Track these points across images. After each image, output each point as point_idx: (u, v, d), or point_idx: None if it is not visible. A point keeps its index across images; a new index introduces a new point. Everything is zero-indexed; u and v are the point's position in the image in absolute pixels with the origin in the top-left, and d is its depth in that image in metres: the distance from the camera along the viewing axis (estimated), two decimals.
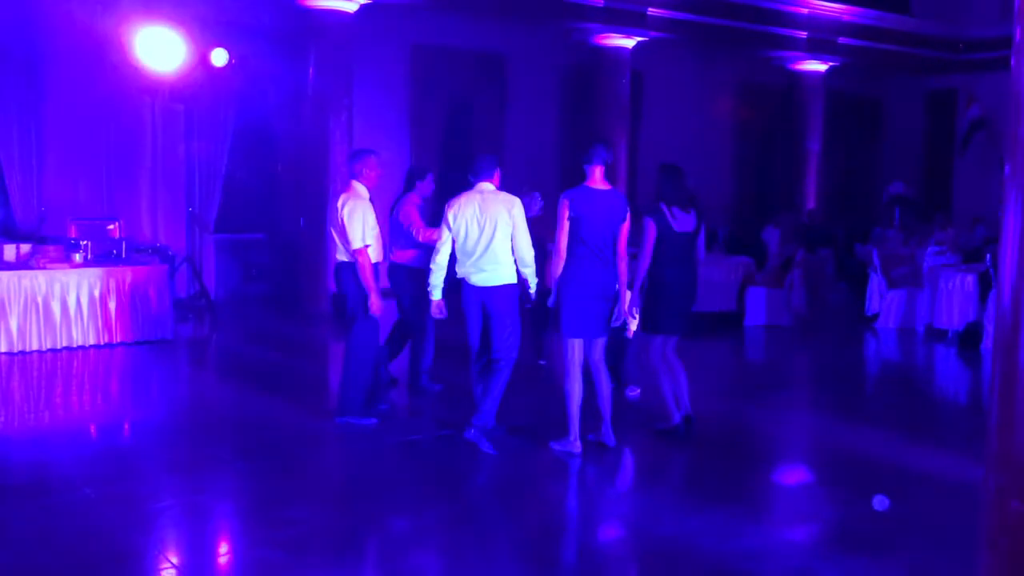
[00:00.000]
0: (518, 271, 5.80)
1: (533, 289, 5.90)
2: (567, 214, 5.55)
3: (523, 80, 13.99)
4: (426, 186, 7.19)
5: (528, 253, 5.76)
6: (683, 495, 5.29)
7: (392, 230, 7.07)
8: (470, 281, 5.80)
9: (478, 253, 5.72)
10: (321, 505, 5.01)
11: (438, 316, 6.06)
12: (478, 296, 5.80)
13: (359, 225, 6.03)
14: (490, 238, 5.68)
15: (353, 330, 6.29)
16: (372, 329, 6.30)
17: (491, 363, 5.85)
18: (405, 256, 7.01)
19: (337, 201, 6.19)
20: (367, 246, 6.07)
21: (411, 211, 6.96)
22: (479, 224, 5.70)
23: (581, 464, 5.64)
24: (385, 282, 6.65)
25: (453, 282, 5.98)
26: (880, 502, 5.03)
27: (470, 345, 5.98)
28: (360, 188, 6.20)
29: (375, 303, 6.13)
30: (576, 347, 5.67)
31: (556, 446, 5.79)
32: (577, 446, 5.72)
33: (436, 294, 5.92)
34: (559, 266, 5.61)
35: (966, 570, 4.35)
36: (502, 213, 5.69)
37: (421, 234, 6.80)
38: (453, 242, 5.79)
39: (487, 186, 5.80)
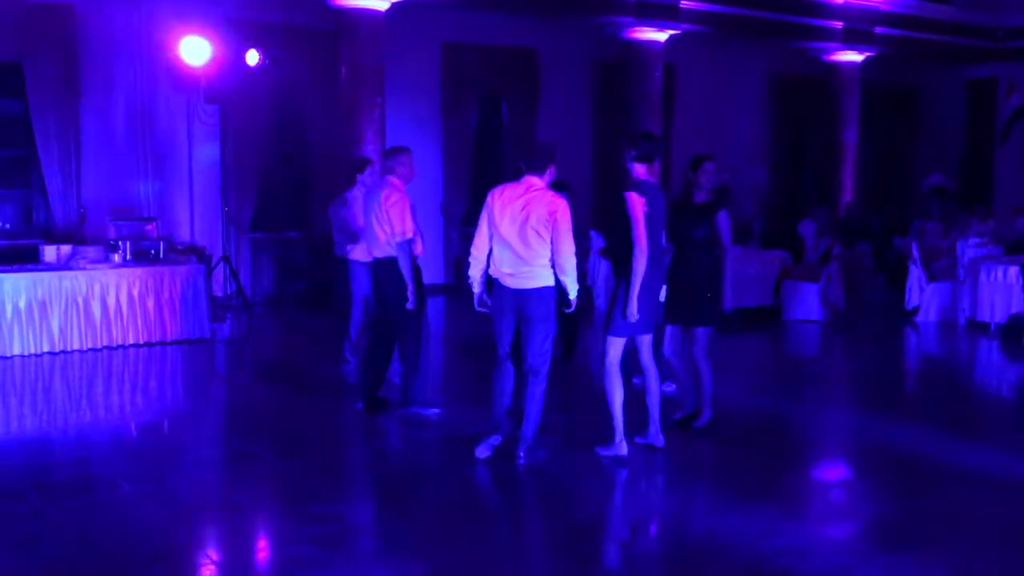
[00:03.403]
0: (556, 278, 5.31)
1: (573, 295, 5.35)
2: (643, 210, 5.28)
3: (555, 75, 13.95)
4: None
5: (569, 261, 5.23)
6: (722, 492, 5.24)
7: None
8: (504, 283, 5.35)
9: (514, 253, 5.24)
10: (356, 502, 5.03)
11: (480, 309, 5.58)
12: (512, 299, 5.36)
13: (406, 218, 6.17)
14: (528, 239, 5.19)
15: (403, 324, 6.37)
16: (417, 320, 6.41)
17: (525, 374, 5.40)
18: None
19: (379, 196, 6.28)
20: (410, 239, 6.19)
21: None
22: (519, 222, 5.20)
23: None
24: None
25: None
26: None
27: (499, 346, 5.50)
28: (397, 183, 6.32)
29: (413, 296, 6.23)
30: (621, 346, 5.49)
31: (603, 451, 5.60)
32: (624, 449, 5.55)
33: (476, 287, 5.46)
34: (642, 264, 5.31)
35: (1009, 568, 4.26)
36: (544, 215, 5.18)
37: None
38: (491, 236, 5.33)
39: (535, 181, 5.29)
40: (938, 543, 4.49)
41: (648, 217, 5.32)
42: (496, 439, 5.54)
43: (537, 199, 5.20)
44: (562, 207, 5.22)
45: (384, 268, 6.31)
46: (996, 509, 4.94)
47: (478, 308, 5.56)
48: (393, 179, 6.32)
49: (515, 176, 5.43)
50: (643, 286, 5.37)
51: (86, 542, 4.41)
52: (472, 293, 5.52)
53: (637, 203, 5.27)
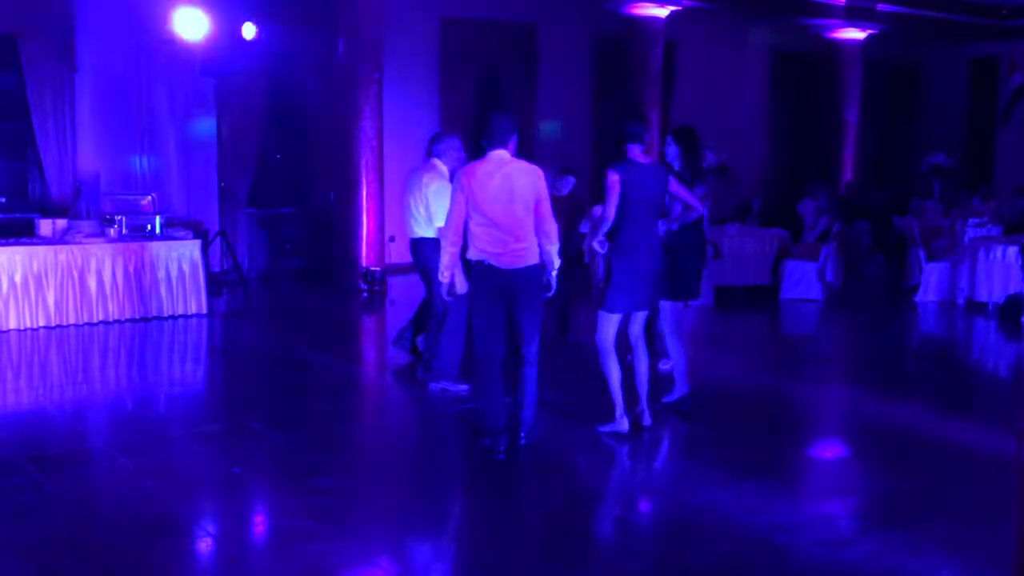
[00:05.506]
0: (541, 250, 5.13)
1: (556, 271, 5.17)
2: (616, 188, 5.26)
3: (555, 51, 13.85)
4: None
5: (554, 229, 5.13)
6: (718, 468, 5.23)
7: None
8: (496, 264, 5.05)
9: (505, 231, 5.00)
10: (354, 476, 5.03)
11: (447, 298, 5.44)
12: (504, 282, 5.08)
13: (441, 206, 6.10)
14: (518, 213, 5.00)
15: (445, 304, 6.32)
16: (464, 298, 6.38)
17: (519, 361, 5.18)
18: None
19: (421, 178, 6.40)
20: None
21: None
22: (504, 198, 4.98)
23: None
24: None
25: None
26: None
27: (487, 341, 5.15)
28: (442, 167, 6.42)
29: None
30: (615, 323, 5.46)
31: (603, 428, 5.58)
32: (624, 425, 5.53)
33: (447, 275, 5.18)
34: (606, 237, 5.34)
35: (1002, 544, 4.26)
36: (526, 185, 5.03)
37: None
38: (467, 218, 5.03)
39: (503, 154, 5.06)
40: (931, 519, 4.49)
41: (625, 195, 5.28)
42: (501, 455, 5.22)
43: (517, 171, 5.03)
44: (541, 175, 5.13)
45: (422, 248, 6.43)
46: (989, 486, 4.93)
47: (447, 297, 5.37)
48: (437, 162, 6.45)
49: (478, 155, 5.18)
50: (633, 263, 5.36)
51: (83, 514, 4.41)
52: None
53: (610, 180, 5.30)
